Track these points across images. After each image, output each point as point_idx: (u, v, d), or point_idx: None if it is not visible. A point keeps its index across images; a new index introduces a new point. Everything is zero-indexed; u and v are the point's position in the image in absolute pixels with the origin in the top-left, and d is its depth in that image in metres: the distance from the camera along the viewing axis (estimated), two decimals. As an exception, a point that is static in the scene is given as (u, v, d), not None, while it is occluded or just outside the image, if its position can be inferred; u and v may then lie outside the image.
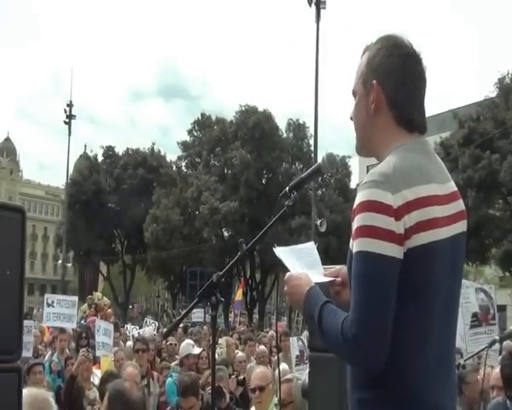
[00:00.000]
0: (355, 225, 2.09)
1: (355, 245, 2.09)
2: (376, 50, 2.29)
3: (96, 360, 8.73)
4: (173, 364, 9.32)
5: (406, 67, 2.26)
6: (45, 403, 3.35)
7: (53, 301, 11.15)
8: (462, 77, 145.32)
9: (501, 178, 33.30)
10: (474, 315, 7.02)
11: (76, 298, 12.27)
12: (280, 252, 2.50)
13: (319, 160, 2.67)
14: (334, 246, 37.95)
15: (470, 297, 7.09)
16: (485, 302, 7.23)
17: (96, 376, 7.45)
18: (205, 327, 16.34)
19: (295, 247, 2.63)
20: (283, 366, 7.79)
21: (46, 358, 10.29)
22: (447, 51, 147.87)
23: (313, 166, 2.68)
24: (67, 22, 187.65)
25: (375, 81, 2.25)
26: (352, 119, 2.39)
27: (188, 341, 9.28)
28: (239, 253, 2.68)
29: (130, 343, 10.53)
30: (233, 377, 8.08)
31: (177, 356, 9.95)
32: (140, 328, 16.06)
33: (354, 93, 2.37)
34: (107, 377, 5.29)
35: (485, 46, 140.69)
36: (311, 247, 2.66)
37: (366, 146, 2.37)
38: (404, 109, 2.25)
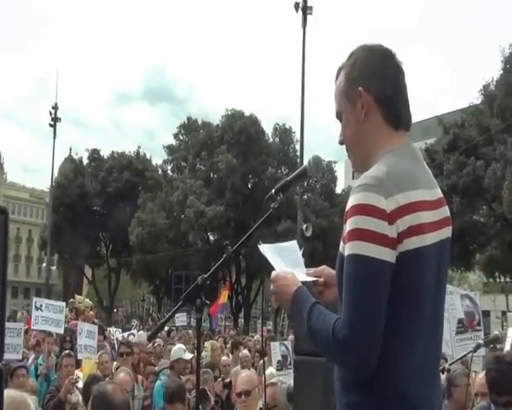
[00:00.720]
0: (347, 227, 2.09)
1: (347, 248, 2.08)
2: (352, 63, 2.32)
3: (78, 364, 8.66)
4: (158, 365, 9.32)
5: (385, 65, 2.29)
6: (23, 405, 3.29)
7: (41, 305, 11.06)
8: (447, 83, 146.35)
9: (485, 184, 33.58)
10: (460, 321, 7.05)
11: (64, 304, 12.22)
12: (265, 249, 2.50)
13: (302, 166, 2.67)
14: (320, 250, 38.02)
15: (456, 304, 7.13)
16: (470, 309, 7.28)
17: (79, 378, 7.38)
18: (190, 331, 16.31)
19: (279, 245, 2.63)
20: (271, 369, 7.78)
21: (30, 361, 10.21)
22: (432, 58, 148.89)
23: (299, 169, 2.68)
24: (53, 24, 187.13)
25: (360, 88, 2.26)
26: (342, 142, 2.39)
27: (180, 345, 9.27)
28: (224, 255, 2.67)
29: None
30: (219, 379, 8.07)
31: (162, 359, 9.93)
32: (123, 331, 16.00)
33: (339, 114, 2.37)
34: (91, 381, 5.24)
35: (470, 53, 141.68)
36: (294, 246, 2.66)
37: (363, 160, 2.33)
38: (392, 105, 2.27)
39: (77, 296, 19.93)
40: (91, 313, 18.84)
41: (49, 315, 11.06)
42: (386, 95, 2.26)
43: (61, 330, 11.40)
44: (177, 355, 8.42)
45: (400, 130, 2.29)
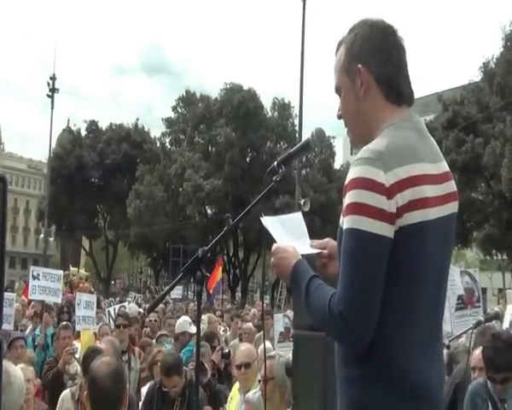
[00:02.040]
0: (346, 201, 2.07)
1: (345, 222, 2.07)
2: (353, 38, 2.28)
3: (77, 335, 8.69)
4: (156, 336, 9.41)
5: (386, 41, 2.25)
6: (5, 374, 3.24)
7: (38, 274, 11.02)
8: (447, 60, 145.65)
9: (484, 162, 33.54)
10: (460, 298, 7.06)
11: (61, 272, 12.15)
12: (267, 222, 2.49)
13: (303, 139, 2.64)
14: (318, 226, 38.00)
15: (456, 280, 7.13)
16: (469, 285, 7.29)
17: (77, 349, 7.40)
18: (192, 304, 16.34)
19: (283, 217, 2.61)
20: (267, 344, 7.81)
21: (27, 332, 10.24)
22: (432, 34, 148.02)
23: (302, 142, 2.65)
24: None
25: (359, 65, 2.23)
26: (340, 117, 2.36)
27: (185, 318, 9.36)
28: (225, 228, 2.65)
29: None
30: (218, 348, 8.11)
31: (159, 332, 9.97)
32: (120, 302, 16.01)
33: (338, 89, 2.34)
34: (90, 353, 5.21)
35: (470, 30, 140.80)
36: (298, 217, 2.64)
37: (361, 136, 2.31)
38: (393, 82, 2.24)
39: (71, 268, 19.92)
40: (86, 284, 18.88)
41: (46, 284, 11.04)
42: (386, 73, 2.23)
43: (58, 300, 11.39)
44: (183, 328, 8.55)
45: (403, 106, 2.26)
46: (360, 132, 2.32)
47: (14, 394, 3.31)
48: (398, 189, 2.04)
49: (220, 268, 25.56)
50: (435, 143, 2.29)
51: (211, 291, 21.28)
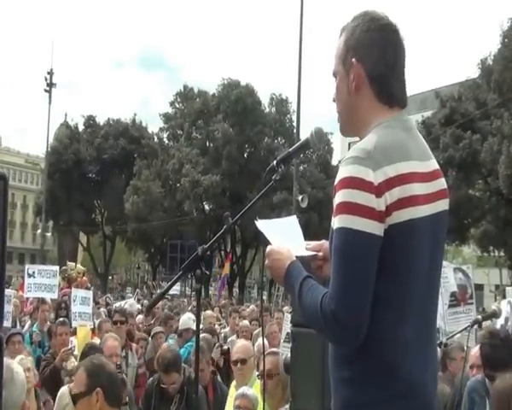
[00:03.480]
0: (336, 201, 2.09)
1: (335, 221, 2.08)
2: (353, 28, 2.28)
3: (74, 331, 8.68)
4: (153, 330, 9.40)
5: (384, 38, 2.25)
6: (7, 370, 3.28)
7: (34, 272, 11.04)
8: (445, 57, 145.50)
9: (481, 158, 33.56)
10: (453, 294, 7.10)
11: (57, 268, 12.19)
12: (262, 225, 2.49)
13: (301, 135, 2.66)
14: (315, 222, 38.10)
15: (449, 277, 7.16)
16: (463, 282, 7.32)
17: (74, 346, 7.39)
18: (185, 300, 16.36)
19: (277, 220, 2.63)
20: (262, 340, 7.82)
21: (25, 328, 10.23)
22: (430, 30, 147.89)
23: (301, 141, 2.66)
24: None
25: (354, 59, 2.24)
26: (334, 100, 2.37)
27: (189, 314, 9.38)
28: (224, 226, 2.66)
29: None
30: (217, 344, 8.13)
31: (155, 328, 9.97)
32: (122, 298, 16.02)
33: (335, 74, 2.35)
34: (89, 350, 5.21)
35: (468, 26, 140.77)
36: (293, 220, 2.65)
37: (349, 126, 2.34)
38: (385, 83, 2.24)
39: (69, 263, 19.93)
40: (84, 278, 18.87)
41: (42, 281, 11.04)
42: (379, 71, 2.23)
43: (54, 296, 11.38)
44: (187, 325, 8.58)
45: (394, 107, 2.26)
46: (348, 123, 2.34)
47: (16, 390, 3.35)
48: (386, 187, 2.04)
49: (228, 264, 25.75)
50: (424, 141, 2.30)
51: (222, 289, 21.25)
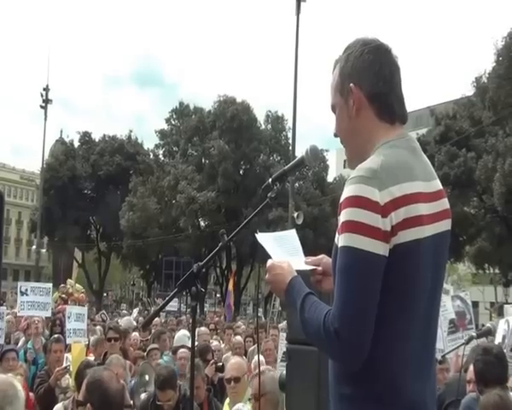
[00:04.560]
0: (341, 219, 2.08)
1: (340, 240, 2.08)
2: (346, 57, 2.30)
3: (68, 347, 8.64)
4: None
5: (378, 59, 2.26)
6: (9, 387, 3.32)
7: (26, 290, 10.94)
8: (440, 74, 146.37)
9: (476, 176, 33.71)
10: (452, 322, 7.11)
11: (50, 285, 12.05)
12: (262, 238, 2.50)
13: (297, 152, 2.68)
14: (311, 238, 38.07)
15: (447, 305, 7.18)
16: (461, 308, 7.35)
17: (69, 361, 7.35)
18: (183, 317, 16.29)
19: (277, 233, 2.63)
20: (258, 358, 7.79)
21: (19, 344, 10.18)
22: (425, 48, 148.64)
23: (297, 159, 2.67)
24: (44, 5, 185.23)
25: (351, 85, 2.25)
26: (335, 135, 2.39)
27: (184, 332, 9.38)
28: (220, 243, 2.66)
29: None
30: (212, 361, 8.08)
31: (150, 345, 9.93)
32: (112, 315, 15.89)
33: (333, 107, 2.36)
34: (84, 369, 5.17)
35: (462, 44, 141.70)
36: (292, 234, 2.66)
37: (356, 153, 2.33)
38: (385, 100, 2.25)
39: (69, 280, 19.82)
40: (82, 295, 18.79)
41: (35, 299, 10.95)
42: (378, 91, 2.24)
43: (48, 314, 11.31)
44: (182, 342, 8.58)
45: (396, 124, 2.27)
46: (355, 151, 2.33)
47: (20, 407, 3.38)
48: (392, 207, 2.05)
49: (233, 280, 25.75)
50: (428, 161, 2.32)
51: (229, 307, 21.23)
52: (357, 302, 2.01)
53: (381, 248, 2.02)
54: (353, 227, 2.03)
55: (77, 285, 19.51)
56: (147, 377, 6.65)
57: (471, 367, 4.86)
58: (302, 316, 2.15)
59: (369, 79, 2.24)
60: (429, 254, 2.13)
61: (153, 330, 11.56)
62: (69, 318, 9.60)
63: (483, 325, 7.99)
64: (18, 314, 11.99)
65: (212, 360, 8.16)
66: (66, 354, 7.78)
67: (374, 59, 2.26)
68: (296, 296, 2.20)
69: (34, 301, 10.94)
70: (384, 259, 2.03)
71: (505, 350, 5.31)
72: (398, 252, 2.05)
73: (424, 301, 2.13)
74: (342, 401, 2.14)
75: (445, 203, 2.27)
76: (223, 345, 11.51)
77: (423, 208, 2.13)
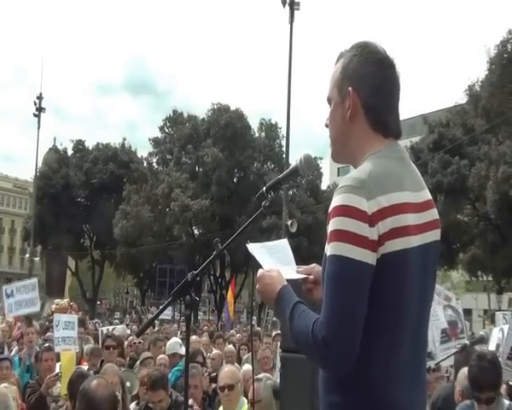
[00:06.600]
0: (329, 228, 2.10)
1: (328, 249, 2.09)
2: (351, 57, 2.30)
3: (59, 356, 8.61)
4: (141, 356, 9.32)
5: (381, 73, 2.27)
6: (1, 397, 3.35)
7: (12, 291, 10.86)
8: (433, 82, 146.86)
9: (469, 184, 33.80)
10: (443, 331, 7.12)
11: (35, 280, 11.83)
12: (253, 248, 2.50)
13: (291, 160, 2.69)
14: (305, 246, 38.09)
15: (439, 315, 7.19)
16: (453, 318, 7.36)
17: (60, 372, 7.31)
18: (175, 325, 16.26)
19: (268, 243, 2.63)
20: (248, 366, 7.83)
21: (13, 353, 10.13)
22: (418, 56, 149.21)
23: (290, 167, 2.69)
24: (36, 14, 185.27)
25: (350, 88, 2.26)
26: (327, 126, 2.39)
27: (176, 339, 9.37)
28: (214, 252, 2.67)
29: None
30: (206, 374, 8.07)
31: (144, 353, 9.90)
32: (110, 323, 15.84)
33: (329, 100, 2.37)
34: (76, 379, 5.12)
35: (455, 52, 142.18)
36: (284, 244, 2.66)
37: (342, 154, 2.36)
38: (380, 114, 2.26)
39: (56, 300, 19.75)
40: (73, 304, 18.77)
41: (21, 297, 10.86)
42: (374, 103, 2.25)
43: (37, 308, 11.21)
44: (173, 349, 8.58)
45: (389, 138, 2.28)
46: (341, 150, 2.36)
47: None
48: (379, 217, 2.06)
49: (230, 292, 25.78)
50: (417, 171, 2.32)
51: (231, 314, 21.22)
52: (345, 310, 2.02)
53: (368, 257, 2.03)
54: (341, 236, 2.04)
55: (65, 300, 19.45)
56: (128, 384, 6.67)
57: (460, 375, 4.87)
58: (291, 325, 2.16)
59: (369, 89, 2.25)
60: (417, 263, 2.13)
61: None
62: (57, 326, 9.51)
63: (473, 333, 8.01)
64: (7, 317, 11.89)
65: (206, 372, 8.16)
66: (58, 364, 7.75)
67: (377, 71, 2.26)
68: (285, 306, 2.21)
69: (21, 299, 10.86)
70: (371, 267, 2.04)
71: (500, 359, 5.32)
72: (385, 261, 2.06)
73: (412, 310, 2.14)
74: (331, 408, 2.14)
75: (433, 214, 2.28)
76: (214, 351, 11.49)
77: (411, 219, 2.14)
